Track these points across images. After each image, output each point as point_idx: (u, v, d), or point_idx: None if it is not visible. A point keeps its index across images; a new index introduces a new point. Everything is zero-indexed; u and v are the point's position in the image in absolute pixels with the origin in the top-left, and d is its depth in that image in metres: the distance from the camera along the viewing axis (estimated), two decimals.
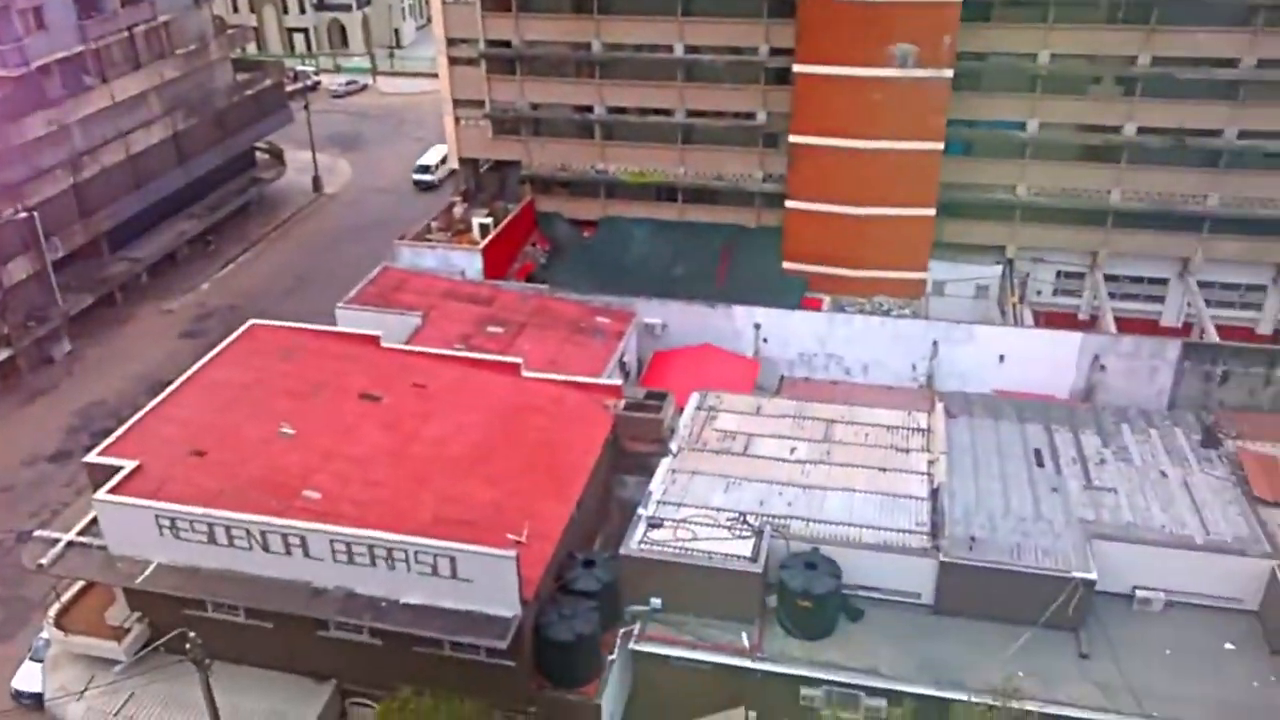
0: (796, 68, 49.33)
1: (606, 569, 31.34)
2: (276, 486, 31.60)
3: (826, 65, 48.42)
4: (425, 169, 78.44)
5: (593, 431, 36.13)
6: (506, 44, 54.87)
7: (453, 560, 28.19)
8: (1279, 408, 43.16)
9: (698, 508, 33.05)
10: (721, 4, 51.59)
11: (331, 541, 28.84)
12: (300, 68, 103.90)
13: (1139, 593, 31.07)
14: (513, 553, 28.12)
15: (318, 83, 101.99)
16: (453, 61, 56.35)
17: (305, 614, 29.44)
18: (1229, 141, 48.84)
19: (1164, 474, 34.50)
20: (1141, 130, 49.52)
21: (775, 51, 51.08)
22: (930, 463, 35.27)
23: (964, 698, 27.57)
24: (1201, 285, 51.26)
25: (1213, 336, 46.77)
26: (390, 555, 28.55)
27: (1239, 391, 43.59)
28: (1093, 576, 29.78)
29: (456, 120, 57.91)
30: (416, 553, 28.39)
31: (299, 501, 31.03)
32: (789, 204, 52.48)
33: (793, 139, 50.89)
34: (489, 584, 28.17)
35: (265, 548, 29.28)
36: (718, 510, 32.95)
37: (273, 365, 38.07)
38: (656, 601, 31.08)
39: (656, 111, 54.93)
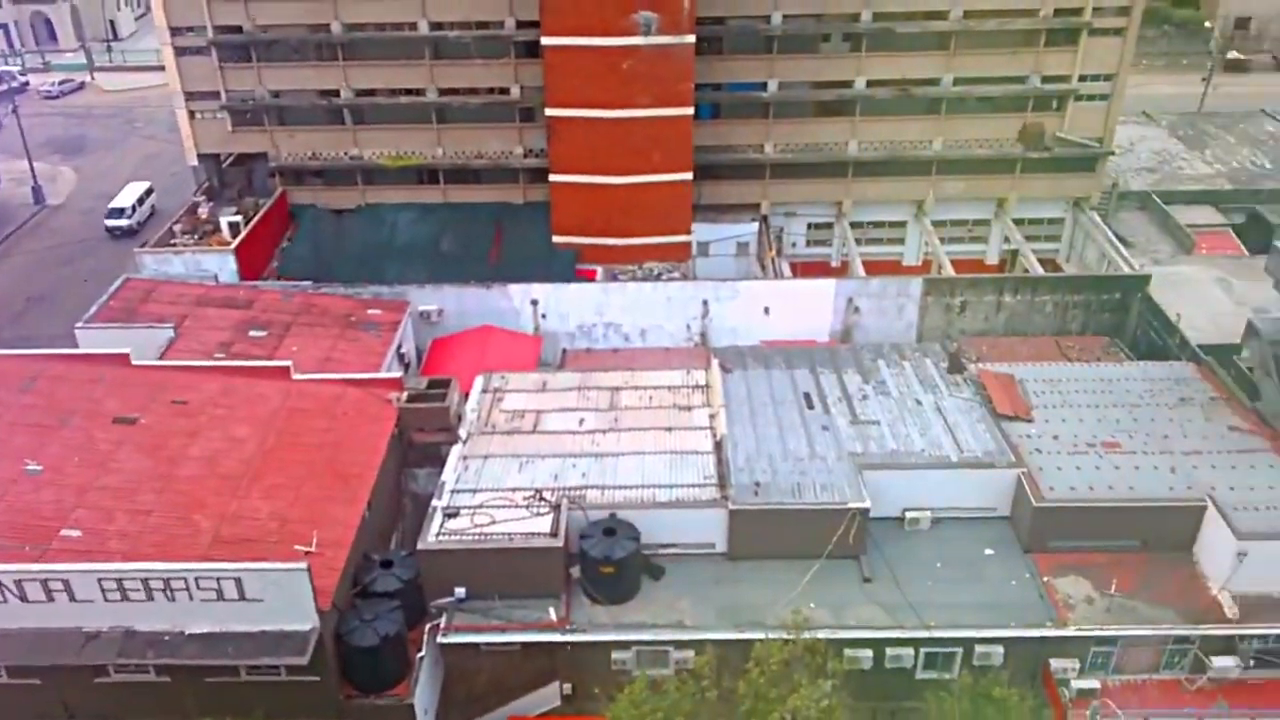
0: (544, 40, 49.26)
1: (405, 566, 30.79)
2: (28, 530, 29.09)
3: (573, 36, 48.59)
4: (119, 212, 65.66)
5: (376, 428, 35.20)
6: (238, 29, 51.76)
7: (238, 581, 26.92)
8: (1011, 330, 47.71)
9: (493, 491, 32.99)
10: None
11: (100, 580, 26.89)
12: (3, 68, 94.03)
13: (908, 514, 33.72)
14: (303, 564, 27.12)
15: (26, 83, 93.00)
16: (180, 51, 52.64)
17: (78, 663, 27.32)
18: (946, 89, 52.95)
19: (919, 402, 37.39)
20: (870, 83, 52.84)
21: (522, 24, 50.77)
22: (712, 417, 36.67)
23: (762, 636, 29.03)
24: (935, 224, 55.58)
25: (949, 271, 50.88)
26: (168, 586, 26.93)
27: (975, 319, 47.92)
28: (867, 505, 32.00)
29: (191, 114, 54.27)
30: (197, 579, 26.92)
31: (57, 542, 28.74)
32: (552, 178, 52.54)
33: (549, 112, 50.91)
34: (281, 600, 27.10)
35: (23, 597, 26.96)
36: (513, 490, 33.00)
37: (9, 398, 34.83)
38: (461, 591, 30.80)
39: (408, 92, 53.50)
